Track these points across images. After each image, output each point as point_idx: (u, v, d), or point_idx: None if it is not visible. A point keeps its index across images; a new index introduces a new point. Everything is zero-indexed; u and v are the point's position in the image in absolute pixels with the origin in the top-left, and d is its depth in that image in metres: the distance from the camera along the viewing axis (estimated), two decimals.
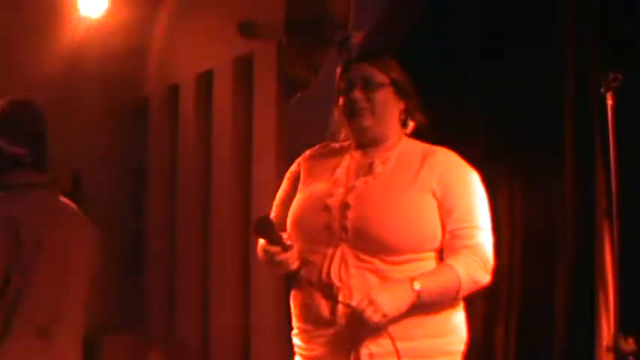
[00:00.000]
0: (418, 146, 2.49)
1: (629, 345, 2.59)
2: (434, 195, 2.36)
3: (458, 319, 2.44)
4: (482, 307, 3.79)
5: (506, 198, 3.76)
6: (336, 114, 2.54)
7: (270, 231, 2.37)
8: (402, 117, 2.49)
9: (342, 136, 2.56)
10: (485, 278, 2.39)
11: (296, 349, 2.50)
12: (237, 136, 5.41)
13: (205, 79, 5.80)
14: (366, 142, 2.48)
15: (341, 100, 2.48)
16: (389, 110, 2.46)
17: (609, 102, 2.79)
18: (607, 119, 2.81)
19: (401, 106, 2.48)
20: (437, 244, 2.37)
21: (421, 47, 4.00)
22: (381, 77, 2.45)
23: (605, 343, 2.67)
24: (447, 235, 2.36)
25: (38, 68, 5.86)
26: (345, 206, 2.37)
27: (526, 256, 3.64)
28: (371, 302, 2.20)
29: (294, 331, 2.50)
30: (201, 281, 5.73)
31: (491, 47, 3.82)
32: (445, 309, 2.38)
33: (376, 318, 2.19)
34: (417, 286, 2.24)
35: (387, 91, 2.45)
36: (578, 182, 3.43)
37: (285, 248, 2.36)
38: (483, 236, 2.39)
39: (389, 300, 2.21)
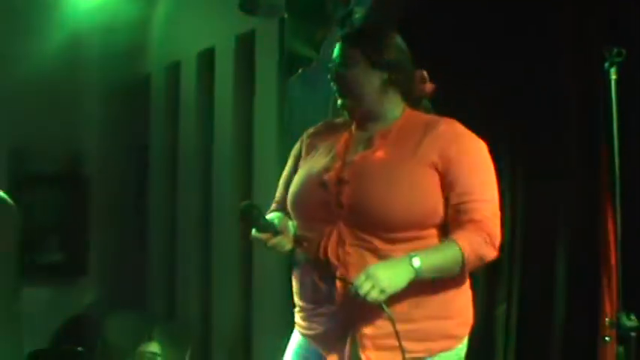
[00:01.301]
0: (421, 118, 2.43)
1: (631, 321, 2.57)
2: (435, 168, 2.28)
3: (462, 301, 2.38)
4: (482, 285, 3.79)
5: (508, 175, 3.75)
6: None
7: (256, 218, 2.32)
8: (390, 87, 2.41)
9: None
10: (491, 254, 2.31)
11: (296, 327, 2.49)
12: (239, 112, 5.39)
13: (207, 57, 5.77)
14: (362, 118, 2.44)
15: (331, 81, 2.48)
16: (366, 86, 2.40)
17: (613, 77, 2.77)
18: (611, 94, 2.79)
19: (384, 76, 2.40)
20: (439, 220, 2.30)
21: (424, 22, 3.97)
22: (354, 55, 2.40)
23: (607, 320, 2.65)
24: (451, 210, 2.28)
25: (39, 47, 5.84)
26: (340, 182, 2.32)
27: (527, 233, 3.63)
28: (369, 278, 2.14)
29: (295, 309, 2.48)
30: (203, 259, 5.73)
31: (490, 23, 3.80)
32: (448, 290, 2.31)
33: (374, 294, 2.12)
34: (415, 262, 2.17)
35: (360, 68, 2.39)
36: (580, 159, 3.42)
37: (275, 233, 2.32)
38: (489, 210, 2.30)
39: (387, 276, 2.14)
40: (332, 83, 2.45)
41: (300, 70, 4.24)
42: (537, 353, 3.54)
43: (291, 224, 2.43)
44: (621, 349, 2.55)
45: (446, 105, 4.05)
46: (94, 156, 6.55)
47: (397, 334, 2.18)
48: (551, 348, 3.46)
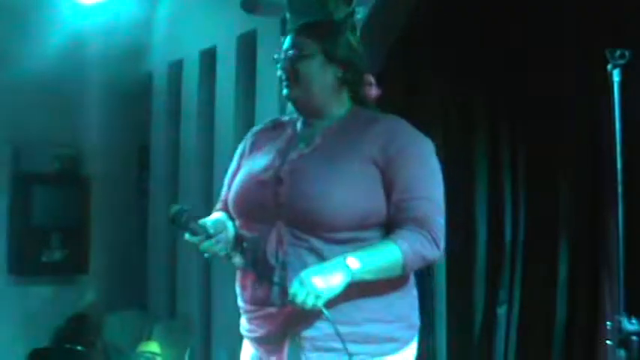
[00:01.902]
0: (365, 115, 2.34)
1: (633, 325, 2.56)
2: (377, 165, 2.20)
3: (405, 304, 2.30)
4: (483, 286, 3.80)
5: (510, 176, 3.76)
6: None
7: (186, 222, 2.25)
8: (341, 86, 2.34)
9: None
10: (434, 253, 2.20)
11: (241, 330, 2.42)
12: (240, 111, 5.38)
13: (209, 56, 5.76)
14: (308, 114, 2.36)
15: (278, 71, 2.38)
16: (317, 80, 2.31)
17: (616, 79, 2.76)
18: (614, 96, 2.78)
19: (338, 74, 2.33)
20: (381, 220, 2.21)
21: (426, 24, 3.97)
22: (308, 47, 2.33)
23: (608, 323, 2.64)
24: (392, 208, 2.18)
25: (41, 45, 5.83)
26: (277, 181, 2.25)
27: (529, 235, 3.63)
28: (303, 284, 2.07)
29: (240, 311, 2.41)
30: (202, 259, 5.71)
31: (495, 25, 3.80)
32: (390, 293, 2.23)
33: (310, 301, 2.06)
34: (351, 263, 2.10)
35: (315, 61, 2.31)
36: (583, 160, 3.42)
37: (208, 236, 2.25)
38: (431, 208, 2.20)
39: (321, 280, 2.07)
40: (281, 73, 2.35)
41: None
42: (538, 354, 3.54)
43: (231, 225, 2.37)
44: (623, 352, 2.54)
45: (447, 104, 4.08)
46: (95, 155, 6.53)
47: (339, 336, 2.12)
48: (552, 349, 3.46)
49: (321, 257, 2.18)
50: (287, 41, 2.39)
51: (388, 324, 2.25)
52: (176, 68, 6.19)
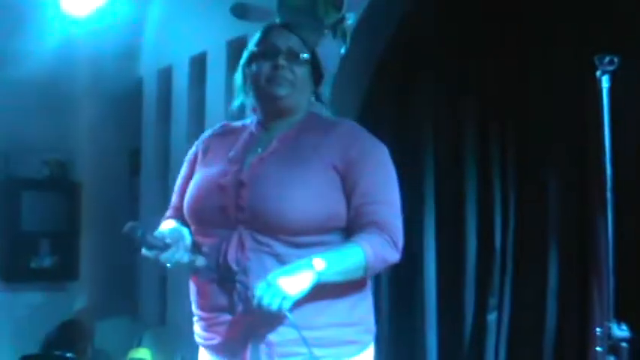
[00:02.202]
0: (322, 121, 2.35)
1: (623, 331, 2.56)
2: (336, 170, 2.21)
3: (364, 308, 2.31)
4: (474, 292, 3.79)
5: (499, 182, 3.76)
6: (240, 79, 2.41)
7: (142, 237, 2.20)
8: (311, 99, 2.37)
9: (235, 104, 2.45)
10: (394, 256, 2.24)
11: (196, 338, 2.39)
12: (230, 117, 5.37)
13: (199, 61, 5.76)
14: (272, 114, 2.34)
15: (259, 66, 2.33)
16: (305, 87, 2.33)
17: (605, 85, 2.77)
18: (602, 102, 2.78)
19: (312, 87, 2.36)
20: (342, 224, 2.22)
21: (415, 29, 3.98)
22: (304, 53, 2.34)
23: (598, 329, 2.64)
24: (352, 212, 2.20)
25: (31, 50, 5.81)
26: (239, 185, 2.23)
27: (518, 241, 3.63)
28: (269, 286, 2.05)
29: (194, 318, 2.38)
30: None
31: (486, 33, 3.81)
32: (350, 297, 2.24)
33: (277, 302, 2.04)
34: (317, 264, 2.09)
35: (307, 69, 2.33)
36: (572, 167, 3.42)
37: (165, 247, 2.21)
38: (390, 212, 2.24)
39: (288, 282, 2.05)
40: (270, 70, 2.30)
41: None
42: None
43: (187, 231, 2.33)
44: (612, 359, 2.53)
45: (441, 106, 4.09)
46: (85, 160, 6.52)
47: (305, 340, 2.11)
48: (543, 356, 3.46)
49: (283, 262, 2.17)
50: (280, 37, 2.37)
51: (349, 327, 2.25)
52: (166, 73, 6.19)
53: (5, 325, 6.07)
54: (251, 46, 2.40)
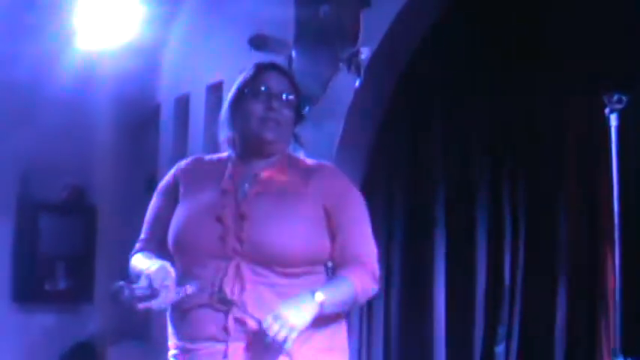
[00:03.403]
0: (300, 160, 2.44)
1: None
2: (325, 208, 2.32)
3: (342, 335, 2.39)
4: (483, 323, 3.81)
5: (510, 217, 3.79)
6: (226, 114, 2.42)
7: (130, 295, 2.18)
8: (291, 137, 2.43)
9: (222, 138, 2.44)
10: (374, 288, 2.37)
11: None
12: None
13: (215, 90, 5.83)
14: (256, 153, 2.39)
15: (251, 106, 2.35)
16: (290, 128, 2.40)
17: (613, 123, 2.82)
18: (611, 140, 2.83)
19: (293, 127, 2.41)
20: (327, 257, 2.35)
21: (428, 63, 4.03)
22: (293, 95, 2.38)
23: None
24: (337, 247, 2.33)
25: (52, 76, 5.90)
26: (240, 217, 2.27)
27: (528, 273, 3.66)
28: (276, 317, 2.11)
29: (172, 352, 2.35)
30: None
31: (496, 68, 3.86)
32: (331, 324, 2.32)
33: (284, 332, 2.10)
34: (319, 297, 2.18)
35: (293, 111, 2.39)
36: (581, 201, 3.45)
37: (155, 293, 2.19)
38: (371, 247, 2.38)
39: (294, 313, 2.13)
40: (263, 111, 2.33)
41: (307, 109, 4.28)
42: None
43: (168, 264, 2.29)
44: None
45: (452, 140, 4.13)
46: (102, 185, 6.58)
47: None
48: None
49: (277, 292, 2.24)
50: (274, 79, 2.39)
51: (331, 353, 2.34)
52: (184, 101, 6.26)
53: (18, 346, 6.11)
54: (240, 84, 2.41)
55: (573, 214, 3.46)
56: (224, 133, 2.44)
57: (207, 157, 2.51)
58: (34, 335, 6.21)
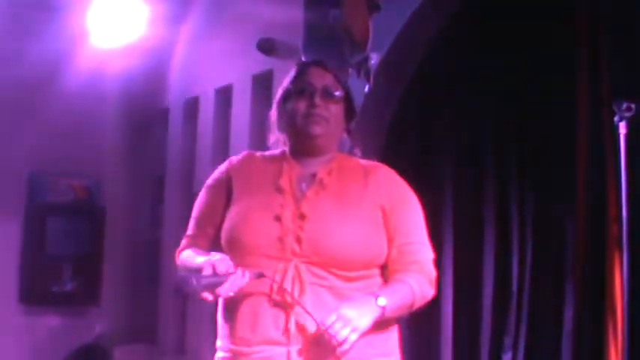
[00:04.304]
0: (355, 161, 2.42)
1: None
2: (382, 210, 2.30)
3: (395, 339, 2.38)
4: (489, 332, 3.80)
5: (517, 225, 3.78)
6: (275, 115, 2.41)
7: (198, 283, 2.12)
8: (343, 136, 2.42)
9: (272, 141, 2.44)
10: (431, 293, 2.34)
11: None
12: (254, 149, 5.42)
13: (224, 93, 5.85)
14: (307, 151, 2.37)
15: (295, 104, 2.34)
16: (339, 125, 2.38)
17: (622, 131, 2.81)
18: (620, 148, 2.82)
19: (344, 124, 2.40)
20: (383, 260, 2.31)
21: (436, 70, 4.03)
22: (339, 90, 2.37)
23: None
24: (394, 250, 2.30)
25: (63, 78, 5.93)
26: (300, 217, 2.25)
27: (535, 283, 3.65)
28: (340, 318, 2.09)
29: (221, 354, 2.33)
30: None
31: (505, 75, 3.86)
32: (389, 328, 2.31)
33: (346, 332, 2.08)
34: (381, 301, 2.16)
35: (342, 107, 2.37)
36: (589, 209, 3.44)
37: (221, 280, 2.14)
38: (428, 252, 2.35)
39: (357, 315, 2.11)
40: (306, 108, 2.31)
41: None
42: None
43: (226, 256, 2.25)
44: None
45: (462, 143, 4.13)
46: (110, 187, 6.60)
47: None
48: None
49: (336, 295, 2.22)
50: (315, 75, 2.38)
51: (389, 357, 2.33)
52: (193, 104, 6.28)
53: (24, 347, 6.13)
54: (286, 83, 2.41)
55: (581, 222, 3.45)
56: (274, 135, 2.43)
57: (259, 153, 2.48)
58: (40, 336, 6.23)
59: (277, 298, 2.20)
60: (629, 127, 2.79)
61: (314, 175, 2.34)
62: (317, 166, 2.36)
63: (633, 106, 2.77)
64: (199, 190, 2.53)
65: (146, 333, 6.30)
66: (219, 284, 2.13)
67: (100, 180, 6.60)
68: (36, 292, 6.29)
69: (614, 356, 3.13)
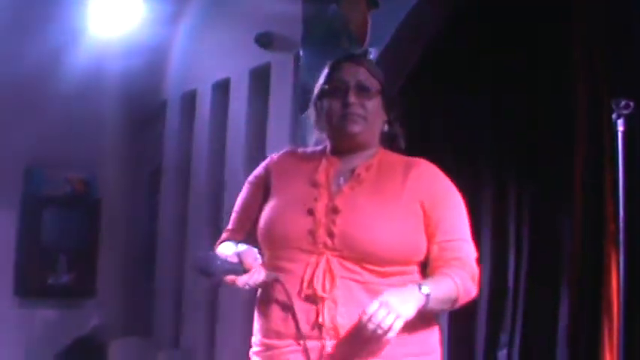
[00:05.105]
0: (397, 156, 2.39)
1: None
2: (422, 206, 2.27)
3: (435, 338, 2.34)
4: (485, 329, 3.81)
5: (514, 222, 3.78)
6: (313, 115, 2.41)
7: (221, 265, 2.18)
8: (384, 128, 2.38)
9: (315, 138, 2.44)
10: (474, 290, 2.30)
11: None
12: (251, 143, 5.44)
13: (222, 87, 5.84)
14: (347, 149, 2.36)
15: (330, 103, 2.33)
16: (377, 119, 2.35)
17: (620, 128, 2.81)
18: (617, 145, 2.82)
19: (384, 116, 2.37)
20: (422, 256, 2.28)
21: (434, 66, 4.02)
22: (375, 84, 2.34)
23: None
24: (436, 247, 2.26)
25: (60, 71, 5.91)
26: (333, 210, 2.24)
27: (531, 279, 3.65)
28: (382, 305, 2.04)
29: (256, 349, 2.33)
30: (210, 288, 5.75)
31: (502, 73, 3.85)
32: (425, 328, 2.27)
33: (389, 320, 2.03)
34: (425, 290, 2.12)
35: (378, 100, 2.34)
36: (586, 207, 3.44)
37: (241, 271, 2.19)
38: (470, 249, 2.31)
39: (400, 302, 2.06)
40: (341, 108, 2.30)
41: None
42: None
43: (256, 251, 2.28)
44: None
45: (459, 138, 4.13)
46: (106, 179, 6.60)
47: None
48: None
49: (369, 290, 2.19)
50: (347, 72, 2.36)
51: (425, 357, 2.29)
52: (190, 97, 6.27)
53: (20, 340, 6.12)
54: (321, 82, 2.39)
55: (578, 219, 3.44)
56: (314, 135, 2.44)
57: (301, 149, 2.49)
58: (36, 329, 6.22)
59: (309, 292, 2.20)
60: (626, 124, 2.79)
61: (353, 171, 2.33)
62: (358, 161, 2.35)
63: (631, 103, 2.77)
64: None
65: (142, 326, 6.30)
66: (238, 272, 2.17)
67: (96, 173, 6.58)
68: (31, 285, 6.28)
69: (609, 353, 3.13)
